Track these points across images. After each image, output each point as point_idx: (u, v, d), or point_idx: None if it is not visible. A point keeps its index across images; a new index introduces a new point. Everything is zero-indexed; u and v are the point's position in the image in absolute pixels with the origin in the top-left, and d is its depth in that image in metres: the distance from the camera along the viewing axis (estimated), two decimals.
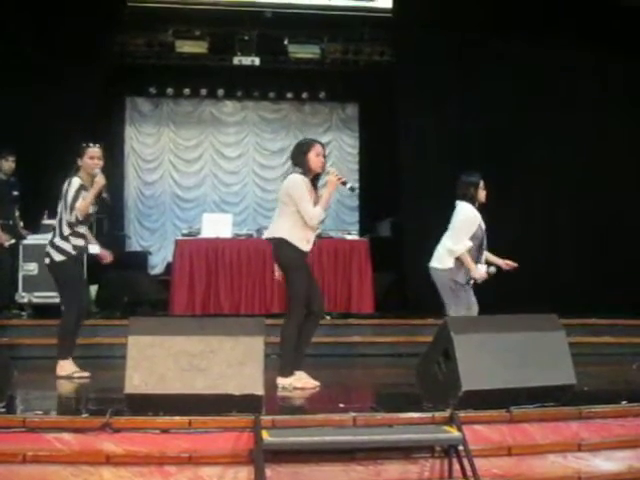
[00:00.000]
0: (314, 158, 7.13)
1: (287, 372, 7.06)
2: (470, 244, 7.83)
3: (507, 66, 12.15)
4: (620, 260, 11.84)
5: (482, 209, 8.00)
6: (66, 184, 7.64)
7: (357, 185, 7.15)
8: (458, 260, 7.84)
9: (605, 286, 11.49)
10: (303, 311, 7.09)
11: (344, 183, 7.20)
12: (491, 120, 12.19)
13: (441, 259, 7.92)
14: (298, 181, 7.09)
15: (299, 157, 7.19)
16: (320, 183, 7.35)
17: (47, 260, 7.74)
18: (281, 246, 7.12)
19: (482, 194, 8.04)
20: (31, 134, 10.92)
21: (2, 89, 10.86)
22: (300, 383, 7.05)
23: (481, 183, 8.05)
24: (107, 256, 8.27)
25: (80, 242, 7.74)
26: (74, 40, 11.07)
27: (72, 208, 7.56)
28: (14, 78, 10.92)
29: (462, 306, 7.83)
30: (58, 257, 7.65)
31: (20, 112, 10.93)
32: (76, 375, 7.61)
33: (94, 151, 7.69)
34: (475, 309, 7.86)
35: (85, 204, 7.55)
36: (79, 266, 7.92)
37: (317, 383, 7.12)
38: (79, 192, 7.58)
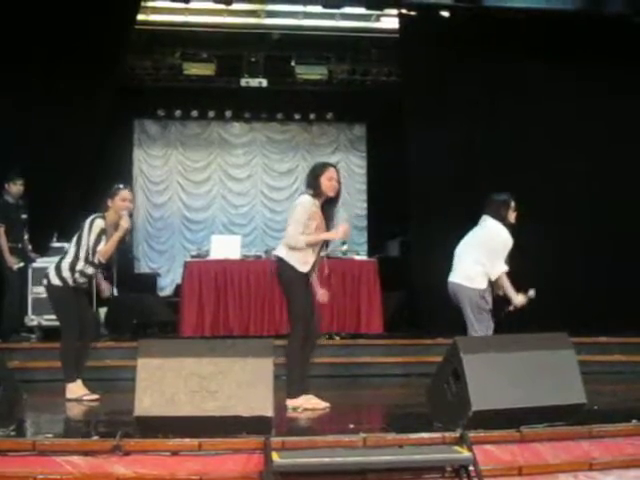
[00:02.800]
0: (326, 182, 7.14)
1: (295, 393, 7.06)
2: (506, 268, 7.81)
3: (514, 83, 12.15)
4: (631, 277, 11.79)
5: (510, 229, 7.98)
6: (88, 223, 7.69)
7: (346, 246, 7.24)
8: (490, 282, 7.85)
9: (615, 304, 11.45)
10: (303, 330, 7.10)
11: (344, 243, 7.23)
12: (500, 138, 12.19)
13: (473, 279, 7.83)
14: (302, 202, 7.14)
15: (312, 179, 7.21)
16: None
17: (45, 281, 7.80)
18: (280, 265, 7.16)
19: (512, 215, 8.02)
20: (39, 157, 10.94)
21: (9, 111, 10.89)
22: (310, 404, 7.04)
23: (512, 204, 8.02)
24: (107, 289, 8.34)
25: (82, 280, 7.79)
26: (81, 62, 11.10)
27: (94, 251, 7.64)
28: (22, 101, 10.95)
29: (484, 324, 7.81)
30: (55, 281, 7.69)
31: (28, 135, 10.96)
32: (85, 398, 7.62)
33: (126, 193, 7.78)
34: (492, 329, 7.84)
35: (108, 248, 7.64)
36: (77, 292, 7.88)
37: (327, 404, 7.11)
38: (100, 236, 7.64)
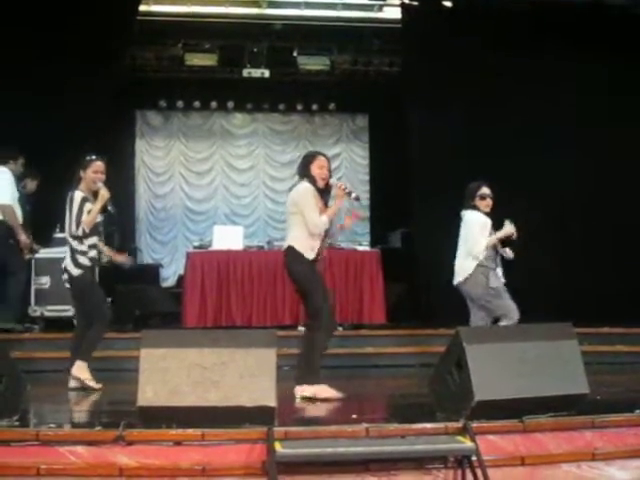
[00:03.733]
0: (317, 170, 7.19)
1: (313, 379, 7.05)
2: (484, 242, 7.80)
3: (516, 73, 12.13)
4: (634, 268, 11.79)
5: (491, 216, 7.97)
6: (68, 199, 7.70)
7: (361, 195, 7.22)
8: (482, 268, 7.82)
9: (618, 294, 11.44)
10: (325, 317, 7.09)
11: (349, 194, 7.20)
12: (502, 129, 12.17)
13: (465, 272, 7.91)
14: (305, 189, 7.16)
15: (303, 169, 7.23)
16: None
17: (65, 276, 7.75)
18: (288, 256, 7.17)
19: (482, 203, 7.98)
20: (41, 148, 10.93)
21: (12, 103, 10.88)
22: (325, 394, 7.03)
23: (480, 191, 7.99)
24: (127, 260, 8.31)
25: (94, 253, 7.77)
26: (84, 54, 11.09)
27: (78, 222, 7.62)
28: (25, 92, 10.94)
29: (506, 302, 7.80)
30: (76, 271, 7.66)
31: (30, 126, 10.95)
32: (88, 382, 7.60)
33: (98, 165, 7.75)
34: (516, 312, 7.80)
35: (90, 218, 7.61)
36: (95, 275, 7.93)
37: (340, 394, 7.09)
38: (83, 205, 7.63)
